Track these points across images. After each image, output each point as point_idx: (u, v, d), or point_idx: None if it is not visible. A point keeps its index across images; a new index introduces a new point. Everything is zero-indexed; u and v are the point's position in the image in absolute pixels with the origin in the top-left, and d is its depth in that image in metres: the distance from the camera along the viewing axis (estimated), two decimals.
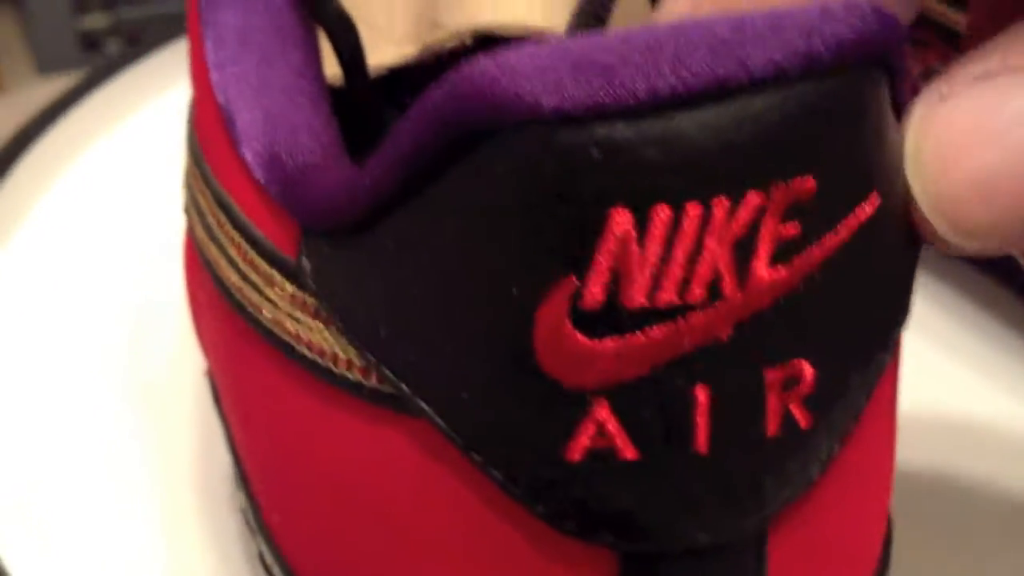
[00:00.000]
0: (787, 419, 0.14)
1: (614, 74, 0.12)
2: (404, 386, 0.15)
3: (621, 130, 0.13)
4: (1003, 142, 0.14)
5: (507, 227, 0.14)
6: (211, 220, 0.19)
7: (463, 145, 0.13)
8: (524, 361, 0.14)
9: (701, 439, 0.14)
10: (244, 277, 0.18)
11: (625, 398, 0.14)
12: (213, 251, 0.19)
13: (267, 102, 0.18)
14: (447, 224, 0.14)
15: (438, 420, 0.15)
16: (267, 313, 0.17)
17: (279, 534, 0.19)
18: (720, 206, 0.13)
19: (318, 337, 0.16)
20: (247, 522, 0.21)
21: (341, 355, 0.16)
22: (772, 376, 0.14)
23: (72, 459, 0.29)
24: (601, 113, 0.12)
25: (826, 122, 0.13)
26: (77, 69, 1.12)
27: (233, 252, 0.18)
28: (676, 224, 0.13)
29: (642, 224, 0.13)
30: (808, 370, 0.14)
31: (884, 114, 0.14)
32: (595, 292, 0.13)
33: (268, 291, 0.17)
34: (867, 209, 0.14)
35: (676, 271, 0.13)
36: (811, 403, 0.14)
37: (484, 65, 0.13)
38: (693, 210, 0.13)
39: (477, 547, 0.15)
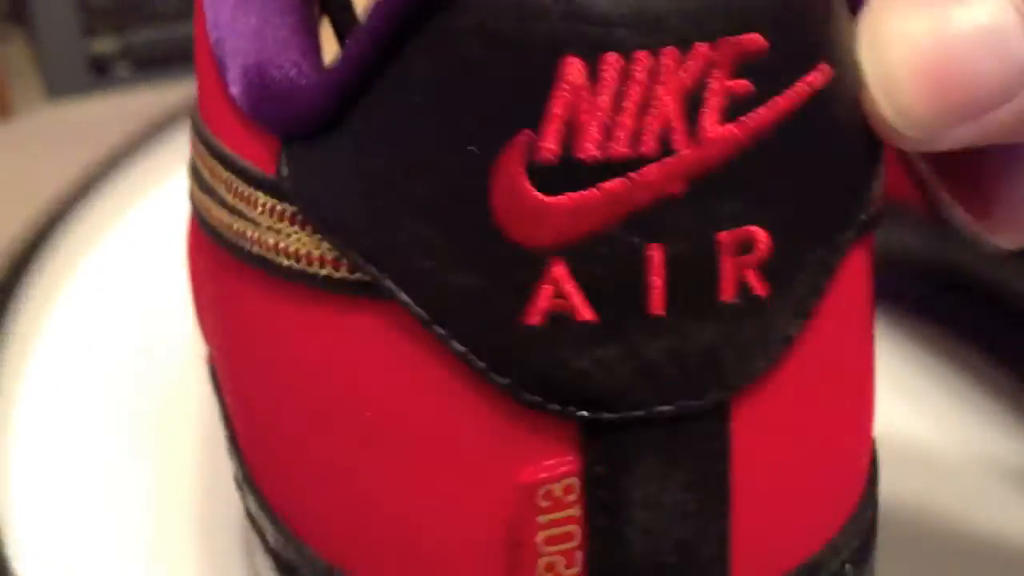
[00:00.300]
0: (742, 286, 0.15)
1: None
2: (373, 267, 0.15)
3: None
4: (941, 25, 0.15)
5: (465, 86, 0.14)
6: (204, 172, 0.19)
7: (426, 7, 0.14)
8: (483, 222, 0.14)
9: (656, 300, 0.14)
10: (232, 210, 0.18)
11: (581, 257, 0.14)
12: (207, 202, 0.19)
13: (254, 21, 0.19)
14: (411, 94, 0.14)
15: (403, 296, 0.15)
16: (251, 234, 0.18)
17: (260, 471, 0.19)
18: (669, 55, 0.13)
19: (296, 243, 0.17)
20: (237, 486, 0.21)
21: (315, 253, 0.16)
22: (725, 238, 0.14)
23: (106, 523, 0.28)
24: None
25: None
26: (87, 93, 1.12)
27: (222, 190, 0.18)
28: (626, 72, 0.14)
29: (593, 72, 0.14)
30: (762, 236, 0.15)
31: None
32: (549, 144, 0.14)
33: (252, 213, 0.17)
34: (819, 77, 0.15)
35: (627, 121, 0.14)
36: (767, 272, 0.15)
37: None
38: (642, 58, 0.14)
39: (442, 428, 0.16)
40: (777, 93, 0.14)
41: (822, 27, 0.15)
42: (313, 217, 0.16)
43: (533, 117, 0.14)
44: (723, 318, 0.15)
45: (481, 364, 0.15)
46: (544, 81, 0.14)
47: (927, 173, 0.19)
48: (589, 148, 0.14)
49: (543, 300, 0.15)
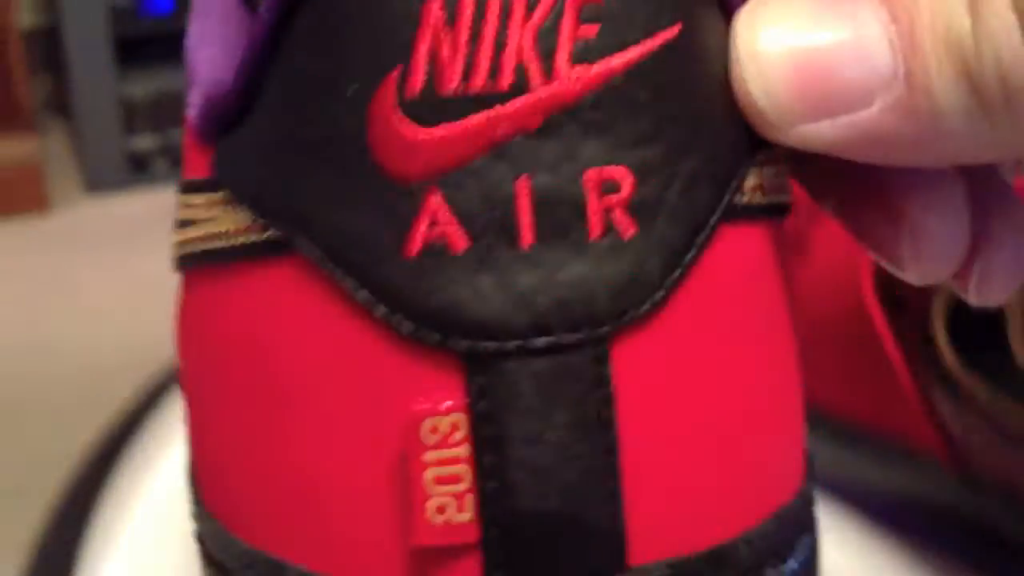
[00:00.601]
0: (609, 224, 0.15)
1: None
2: (279, 221, 0.16)
3: None
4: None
5: (343, 37, 0.16)
6: (181, 215, 0.20)
7: None
8: (364, 160, 0.15)
9: (526, 231, 0.15)
10: (183, 224, 0.19)
11: (454, 188, 0.15)
12: (174, 238, 0.20)
13: (211, 51, 0.20)
14: (299, 56, 0.16)
15: (304, 242, 0.16)
16: (195, 235, 0.19)
17: (201, 473, 0.20)
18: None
19: (224, 223, 0.18)
20: (191, 516, 0.21)
21: (241, 226, 0.17)
22: (590, 176, 0.15)
23: None
24: None
25: None
26: (125, 188, 1.13)
27: (180, 214, 0.20)
28: (480, 12, 0.15)
29: (451, 13, 0.15)
30: (626, 176, 0.16)
31: None
32: (416, 80, 0.15)
33: (196, 215, 0.19)
34: (669, 35, 0.16)
35: (485, 56, 0.15)
36: (632, 211, 0.16)
37: None
38: (495, 0, 0.15)
39: (338, 374, 0.16)
40: (627, 43, 0.16)
41: None
42: (234, 192, 0.18)
43: (402, 57, 0.15)
44: (592, 254, 0.16)
45: (369, 298, 0.16)
46: (410, 23, 0.15)
47: (843, 216, 0.20)
48: (451, 82, 0.15)
49: (421, 230, 0.15)
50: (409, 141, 0.15)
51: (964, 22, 0.15)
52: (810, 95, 0.16)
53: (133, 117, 1.12)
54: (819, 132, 0.16)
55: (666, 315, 0.16)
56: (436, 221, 0.15)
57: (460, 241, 0.15)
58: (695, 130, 0.16)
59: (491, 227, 0.15)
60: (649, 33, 0.16)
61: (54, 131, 1.25)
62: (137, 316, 0.89)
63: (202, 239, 0.18)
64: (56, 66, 1.19)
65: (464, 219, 0.15)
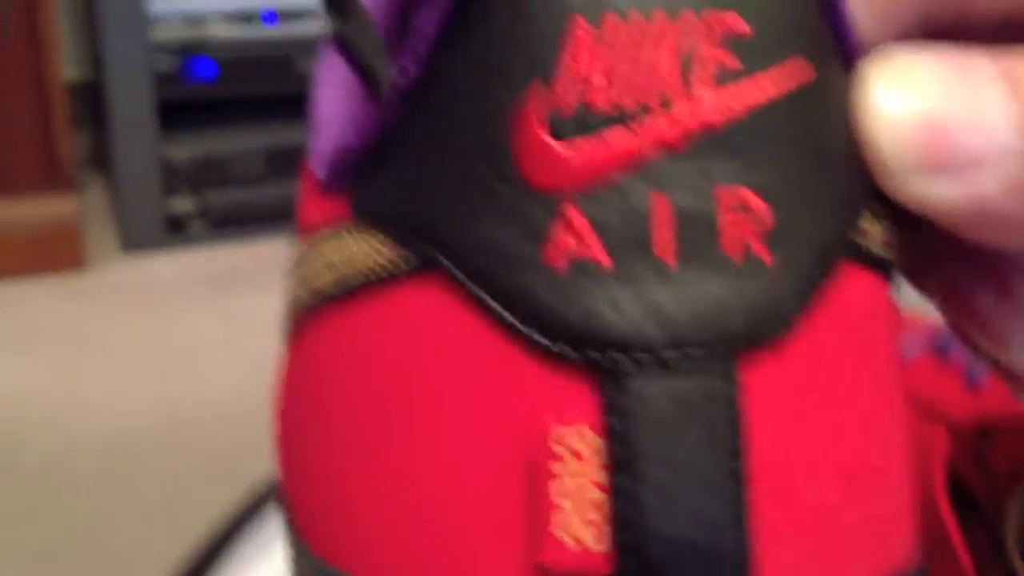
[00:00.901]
0: (744, 246, 0.16)
1: None
2: (418, 241, 0.17)
3: None
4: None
5: (493, 54, 0.16)
6: (296, 275, 0.21)
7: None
8: (509, 172, 0.16)
9: (663, 249, 0.16)
10: (321, 267, 0.19)
11: (594, 203, 0.16)
12: (294, 290, 0.21)
13: (333, 108, 0.22)
14: (453, 74, 0.16)
15: (441, 259, 0.16)
16: (326, 280, 0.19)
17: (311, 509, 0.20)
18: (659, 18, 0.15)
19: (363, 253, 0.18)
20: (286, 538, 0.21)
21: (374, 256, 0.18)
22: (726, 198, 0.16)
23: None
24: None
25: None
26: (161, 249, 1.14)
27: (311, 274, 0.20)
28: (623, 29, 0.15)
29: (595, 28, 0.16)
30: (760, 202, 0.16)
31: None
32: (560, 93, 0.16)
33: (331, 257, 0.19)
34: (802, 73, 0.16)
35: (628, 72, 0.16)
36: (767, 236, 0.16)
37: None
38: (637, 20, 0.15)
39: (469, 389, 0.16)
40: (763, 73, 0.16)
41: (801, 27, 0.17)
42: (371, 224, 0.18)
43: (548, 72, 0.16)
44: (728, 274, 0.16)
45: (503, 311, 0.16)
46: (557, 40, 0.16)
47: (947, 297, 0.21)
48: (594, 96, 0.16)
49: (560, 241, 0.16)
50: (551, 152, 0.16)
51: None
52: (930, 153, 0.17)
53: (173, 179, 1.13)
54: (932, 188, 0.17)
55: (797, 344, 0.16)
56: (575, 234, 0.16)
57: (598, 254, 0.16)
58: (823, 165, 0.17)
59: (629, 242, 0.16)
60: (784, 64, 0.16)
61: (93, 187, 1.26)
62: (167, 381, 0.88)
63: (333, 273, 0.19)
64: (98, 121, 1.21)
65: (603, 233, 0.16)
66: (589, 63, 0.16)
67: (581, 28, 0.16)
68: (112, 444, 0.79)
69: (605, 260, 0.16)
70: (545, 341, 0.16)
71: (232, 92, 1.15)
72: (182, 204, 1.14)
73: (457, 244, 0.16)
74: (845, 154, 0.17)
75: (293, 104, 1.07)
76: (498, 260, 0.16)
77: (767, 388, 0.16)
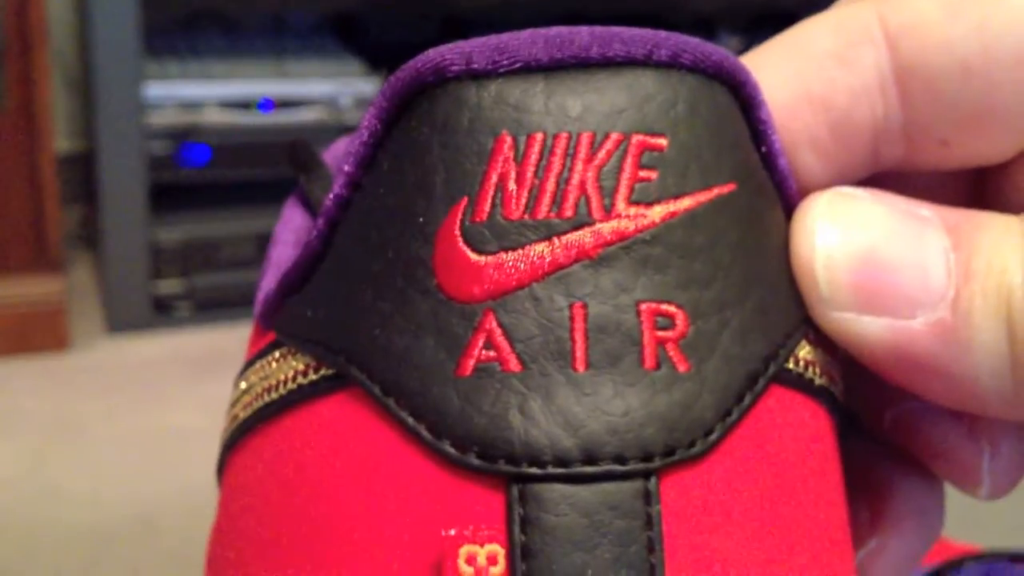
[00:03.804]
0: (663, 356, 0.16)
1: (510, 50, 0.16)
2: (334, 355, 0.17)
3: (512, 84, 0.16)
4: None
5: (417, 170, 0.16)
6: (238, 403, 0.21)
7: (407, 105, 0.17)
8: (426, 284, 0.16)
9: (579, 357, 0.15)
10: (246, 393, 0.19)
11: (510, 311, 0.16)
12: (232, 416, 0.20)
13: (283, 251, 0.22)
14: (378, 190, 0.17)
15: (356, 371, 0.16)
16: (247, 399, 0.19)
17: None
18: (586, 138, 0.16)
19: (283, 370, 0.18)
20: None
21: (299, 367, 0.18)
22: (645, 309, 0.16)
23: None
24: (497, 72, 0.16)
25: (680, 103, 0.16)
26: (146, 330, 1.13)
27: (242, 396, 0.20)
28: (548, 148, 0.16)
29: (520, 147, 0.16)
30: (680, 315, 0.16)
31: (738, 124, 0.17)
32: (482, 207, 0.16)
33: (253, 382, 0.19)
34: (723, 190, 0.17)
35: (549, 188, 0.16)
36: (687, 348, 0.16)
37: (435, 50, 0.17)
38: (562, 138, 0.16)
39: (379, 502, 0.16)
40: (684, 191, 0.16)
41: (734, 159, 0.17)
42: (290, 341, 0.18)
43: (471, 187, 0.16)
44: (645, 385, 0.16)
45: (416, 423, 0.16)
46: (481, 157, 0.16)
47: (907, 431, 0.21)
48: (515, 210, 0.16)
49: (474, 350, 0.16)
50: (470, 263, 0.16)
51: (1016, 273, 0.16)
52: (864, 290, 0.17)
53: (160, 261, 1.13)
54: (860, 324, 0.17)
55: (717, 460, 0.16)
56: (490, 342, 0.16)
57: (512, 363, 0.15)
58: (747, 284, 0.17)
59: (545, 351, 0.15)
60: (705, 185, 0.16)
61: (80, 264, 1.26)
62: (145, 470, 0.87)
63: (254, 399, 0.18)
64: (89, 195, 1.21)
65: (518, 342, 0.16)
66: (510, 178, 0.16)
67: (506, 146, 0.16)
68: (85, 534, 0.78)
69: (517, 367, 0.15)
70: (455, 452, 0.15)
71: (224, 176, 1.15)
72: (168, 286, 1.14)
73: (372, 358, 0.16)
74: (782, 283, 0.17)
75: (284, 190, 1.07)
76: (413, 372, 0.16)
77: (684, 502, 0.15)
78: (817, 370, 0.18)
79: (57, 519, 0.80)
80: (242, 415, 0.19)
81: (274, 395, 0.18)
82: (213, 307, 1.16)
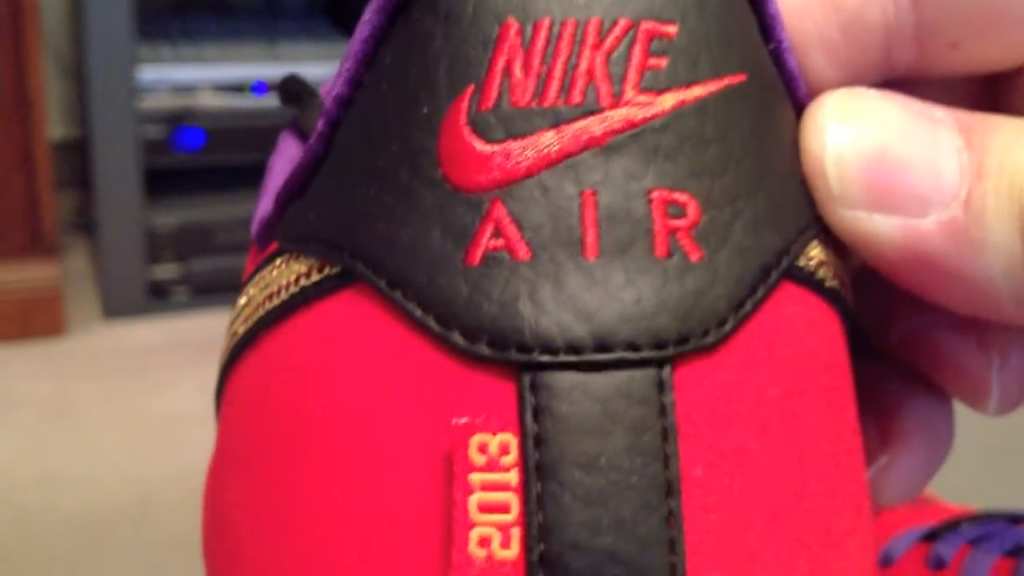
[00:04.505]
0: (675, 245, 0.15)
1: None
2: (339, 252, 0.16)
3: None
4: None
5: (422, 60, 0.16)
6: (238, 317, 0.20)
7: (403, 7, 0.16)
8: (431, 174, 0.16)
9: (590, 246, 0.15)
10: (248, 304, 0.19)
11: (518, 200, 0.15)
12: (233, 327, 0.20)
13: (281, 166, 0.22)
14: (382, 82, 0.16)
15: (366, 271, 0.16)
16: (249, 310, 0.18)
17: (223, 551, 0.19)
18: (594, 24, 0.16)
19: (287, 274, 0.18)
20: None
21: (296, 275, 0.17)
22: (656, 196, 0.15)
23: None
24: None
25: None
26: (143, 315, 1.13)
27: (244, 301, 0.19)
28: (555, 34, 0.16)
29: (527, 33, 0.16)
30: (692, 203, 0.16)
31: (747, 16, 0.17)
32: (488, 95, 0.16)
33: (253, 293, 0.19)
34: (733, 80, 0.16)
35: (557, 75, 0.16)
36: (699, 237, 0.16)
37: None
38: (570, 24, 0.16)
39: (388, 397, 0.16)
40: (694, 79, 0.16)
41: (743, 49, 0.17)
42: (293, 244, 0.18)
43: (477, 75, 0.16)
44: (657, 273, 0.15)
45: (424, 315, 0.15)
46: (487, 44, 0.16)
47: (916, 345, 0.21)
48: (523, 97, 0.15)
49: (482, 239, 0.15)
50: (477, 153, 0.15)
51: None
52: (875, 187, 0.17)
53: (156, 246, 1.13)
54: (871, 223, 0.17)
55: (730, 352, 0.16)
56: (499, 231, 0.15)
57: (521, 251, 0.15)
58: (759, 176, 0.17)
59: (555, 239, 0.15)
60: (716, 74, 0.16)
61: (76, 250, 1.25)
62: (142, 455, 0.87)
63: (254, 310, 0.18)
64: (84, 181, 1.21)
65: (527, 230, 0.15)
66: (517, 65, 0.16)
67: (512, 32, 0.16)
68: (82, 518, 0.78)
69: (527, 256, 0.15)
70: (464, 342, 0.15)
71: (219, 160, 1.15)
72: (164, 271, 1.14)
73: (378, 252, 0.16)
74: (794, 181, 0.17)
75: None
76: (420, 264, 0.16)
77: (697, 393, 0.15)
78: (829, 272, 0.17)
79: (54, 503, 0.80)
80: (241, 330, 0.19)
81: (276, 301, 0.18)
82: (209, 291, 1.15)
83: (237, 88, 1.14)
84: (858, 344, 0.19)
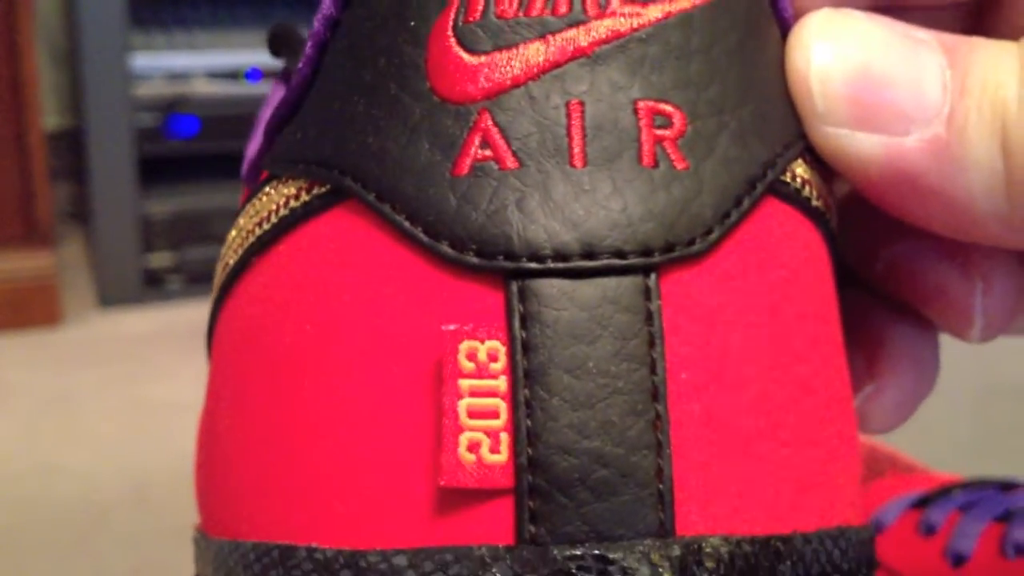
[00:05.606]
0: (661, 154, 0.16)
1: None
2: (327, 169, 0.17)
3: None
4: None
5: None
6: (229, 251, 0.20)
7: None
8: (419, 86, 0.16)
9: (577, 155, 0.15)
10: (240, 232, 0.19)
11: (505, 110, 0.15)
12: (224, 260, 0.20)
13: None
14: (365, 6, 0.16)
15: (355, 186, 0.16)
16: (250, 228, 0.18)
17: (214, 478, 0.19)
18: None
19: (277, 197, 0.18)
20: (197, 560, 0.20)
21: (292, 191, 0.17)
22: (642, 107, 0.16)
23: None
24: None
25: None
26: (138, 304, 1.13)
27: (235, 237, 0.19)
28: None
29: None
30: (677, 114, 0.16)
31: None
32: (475, 6, 0.16)
33: (242, 223, 0.19)
34: None
35: None
36: (685, 147, 0.16)
37: None
38: None
39: (376, 308, 0.16)
40: None
41: None
42: (280, 169, 0.18)
43: None
44: (644, 181, 0.15)
45: (412, 226, 0.15)
46: None
47: (898, 274, 0.21)
48: (509, 8, 0.16)
49: (470, 148, 0.15)
50: (464, 64, 0.16)
51: (1011, 87, 0.16)
52: (859, 105, 0.17)
53: (151, 235, 1.13)
54: (854, 141, 0.17)
55: (716, 262, 0.16)
56: (486, 141, 0.15)
57: (509, 160, 0.15)
58: (745, 90, 0.17)
59: (542, 148, 0.15)
60: None
61: (71, 239, 1.25)
62: (138, 443, 0.87)
63: (244, 239, 0.18)
64: (78, 171, 1.20)
65: (514, 140, 0.15)
66: None
67: None
68: (78, 507, 0.78)
69: (514, 165, 0.15)
70: (452, 252, 0.15)
71: (213, 148, 1.15)
72: (159, 260, 1.14)
73: (367, 166, 0.16)
74: (779, 98, 0.17)
75: None
76: (408, 176, 0.16)
77: (683, 301, 0.15)
78: (814, 191, 0.17)
79: (50, 492, 0.80)
80: (232, 260, 0.19)
81: (265, 227, 0.18)
82: (204, 280, 1.15)
83: (231, 75, 1.14)
84: (843, 275, 0.19)
